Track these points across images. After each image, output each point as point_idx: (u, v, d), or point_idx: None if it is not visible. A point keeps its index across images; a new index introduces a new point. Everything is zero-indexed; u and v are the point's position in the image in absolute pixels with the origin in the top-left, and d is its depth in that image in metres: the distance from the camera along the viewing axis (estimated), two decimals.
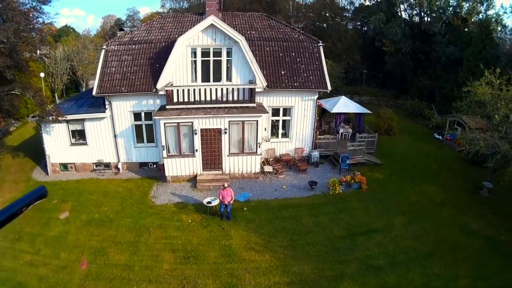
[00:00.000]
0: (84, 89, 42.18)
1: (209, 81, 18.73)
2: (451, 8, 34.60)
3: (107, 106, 18.31)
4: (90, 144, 19.01)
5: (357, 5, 48.82)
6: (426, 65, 35.28)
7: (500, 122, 17.10)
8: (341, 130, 23.41)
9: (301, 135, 20.67)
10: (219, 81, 18.80)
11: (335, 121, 23.32)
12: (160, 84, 17.73)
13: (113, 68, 18.50)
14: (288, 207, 16.37)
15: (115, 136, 18.95)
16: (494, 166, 18.95)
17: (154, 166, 19.70)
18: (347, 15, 48.22)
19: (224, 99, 18.08)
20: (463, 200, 18.33)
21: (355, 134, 23.67)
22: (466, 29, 31.88)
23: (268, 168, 19.17)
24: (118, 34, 21.40)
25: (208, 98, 18.07)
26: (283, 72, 19.14)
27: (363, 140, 21.75)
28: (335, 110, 22.22)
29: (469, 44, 29.80)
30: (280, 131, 20.56)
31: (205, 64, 18.67)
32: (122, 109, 18.54)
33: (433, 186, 19.48)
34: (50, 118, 17.52)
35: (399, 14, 39.07)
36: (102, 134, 18.90)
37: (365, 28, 42.29)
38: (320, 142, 21.38)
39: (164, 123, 16.88)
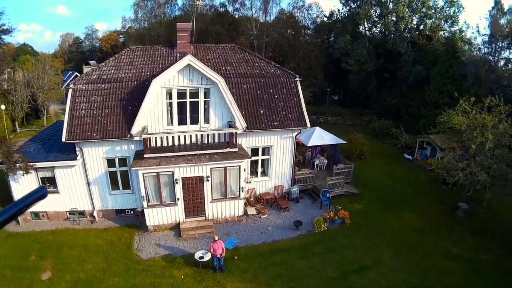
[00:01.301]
0: (45, 116, 42.14)
1: (186, 123, 19.02)
2: (415, 27, 37.87)
3: (78, 153, 18.02)
4: (62, 192, 18.60)
5: (318, 21, 52.18)
6: (391, 84, 38.14)
7: (476, 150, 19.08)
8: (316, 162, 24.64)
9: (281, 172, 21.54)
10: (197, 123, 19.18)
11: (310, 153, 24.70)
12: (135, 129, 17.73)
13: (83, 111, 18.22)
14: (278, 252, 16.99)
15: (88, 183, 18.66)
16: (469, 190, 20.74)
17: (132, 212, 19.63)
18: (309, 32, 51.07)
19: (205, 141, 18.51)
20: (441, 223, 20.22)
21: (330, 164, 25.50)
22: (431, 47, 34.74)
23: (251, 211, 19.75)
24: (85, 70, 21.27)
25: (188, 142, 18.44)
26: (261, 111, 19.91)
27: (342, 172, 23.18)
28: (311, 143, 23.39)
29: (436, 63, 32.74)
30: (259, 170, 21.30)
31: (182, 106, 18.93)
32: (95, 156, 18.33)
33: (411, 212, 21.21)
34: (18, 165, 17.10)
35: (364, 34, 41.74)
36: (74, 181, 18.57)
37: (330, 49, 44.78)
38: (299, 177, 22.38)
39: (143, 174, 16.90)
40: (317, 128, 24.88)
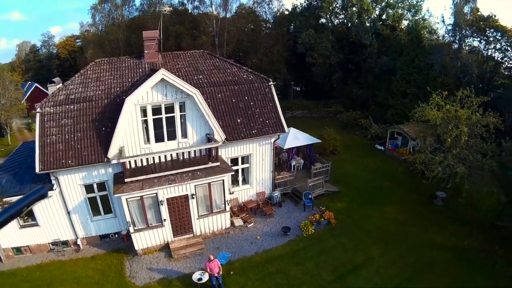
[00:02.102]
0: (8, 134, 41.15)
1: (163, 140, 19.12)
2: (378, 18, 39.35)
3: (53, 182, 17.58)
4: (42, 224, 18.15)
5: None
6: (356, 75, 39.80)
7: (452, 143, 20.49)
8: (293, 163, 25.50)
9: (261, 179, 22.17)
10: (174, 139, 19.30)
11: (287, 154, 25.59)
12: (111, 152, 17.55)
13: (54, 137, 17.70)
14: (272, 261, 17.61)
15: (68, 212, 18.31)
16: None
17: (116, 236, 19.50)
18: (269, 26, 51.77)
19: (186, 156, 18.60)
20: (422, 214, 21.76)
21: (306, 163, 26.56)
22: (396, 38, 36.49)
23: (238, 222, 20.21)
24: (50, 90, 20.58)
25: (168, 158, 18.47)
26: (239, 120, 20.29)
27: (320, 172, 24.11)
28: (288, 145, 24.17)
29: (401, 53, 34.46)
30: (240, 178, 21.83)
31: (157, 122, 18.93)
32: (71, 183, 17.96)
33: (392, 206, 22.63)
34: None
35: (327, 26, 42.75)
36: (53, 212, 18.12)
37: (290, 42, 45.78)
38: (279, 181, 23.07)
39: (127, 199, 16.82)
40: (292, 129, 25.63)
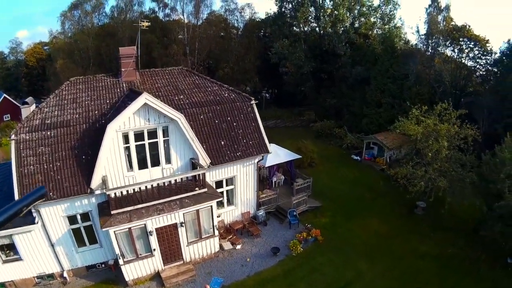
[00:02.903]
0: None
1: (146, 166, 19.12)
2: (352, 27, 40.55)
3: (34, 214, 17.14)
4: (26, 258, 17.73)
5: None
6: (329, 84, 41.23)
7: (432, 158, 21.82)
8: (274, 179, 26.29)
9: (246, 199, 22.66)
10: (158, 165, 19.35)
11: (267, 171, 26.27)
12: (95, 183, 17.40)
13: (31, 167, 17.28)
14: (265, 283, 18.11)
15: (52, 245, 17.96)
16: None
17: (103, 266, 19.34)
18: (240, 34, 52.27)
19: (172, 182, 18.67)
20: (405, 224, 23.11)
21: (286, 178, 27.40)
22: (370, 47, 37.89)
23: (227, 245, 20.56)
24: (23, 112, 20.08)
25: (155, 185, 18.27)
26: (223, 143, 20.65)
27: (302, 188, 24.97)
28: (269, 163, 24.70)
29: (375, 63, 35.94)
30: (225, 200, 22.11)
31: (140, 148, 18.92)
32: (54, 215, 17.62)
33: (374, 218, 23.75)
34: None
35: (300, 36, 43.69)
36: (36, 245, 17.75)
37: (261, 49, 46.83)
38: (263, 200, 23.67)
39: (115, 231, 16.77)
40: (272, 146, 26.40)
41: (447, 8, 36.41)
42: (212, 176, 20.99)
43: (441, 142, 21.44)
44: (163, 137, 19.30)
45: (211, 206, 18.86)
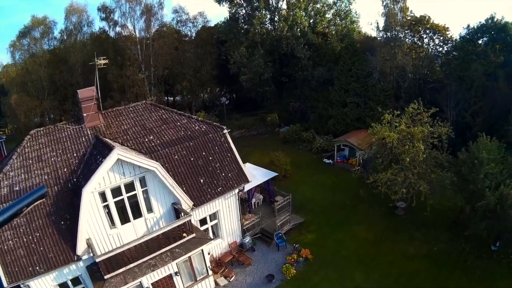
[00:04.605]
0: None
1: (129, 220, 19.72)
2: (309, 27, 41.66)
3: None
4: None
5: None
6: (291, 86, 42.71)
7: (410, 162, 23.18)
8: (253, 200, 27.71)
9: (231, 229, 23.74)
10: (140, 216, 19.99)
11: (247, 194, 27.39)
12: (80, 249, 17.83)
13: (11, 242, 17.40)
14: None
15: None
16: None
17: None
18: (194, 45, 52.60)
19: (158, 230, 19.28)
20: (389, 227, 25.05)
21: (265, 197, 28.96)
22: (330, 47, 39.23)
23: (221, 281, 21.57)
24: None
25: (141, 236, 18.89)
26: (202, 181, 21.47)
27: (283, 206, 26.21)
28: (247, 187, 25.54)
29: (337, 63, 37.56)
30: (211, 234, 23.10)
31: (119, 203, 19.46)
32: (44, 286, 18.03)
33: (359, 225, 25.49)
34: None
35: (258, 42, 44.49)
36: None
37: (220, 55, 47.55)
38: (247, 226, 24.81)
39: None
40: (247, 166, 27.54)
41: None
42: (195, 216, 21.78)
43: (417, 145, 22.97)
44: (141, 187, 19.82)
45: (202, 249, 19.90)
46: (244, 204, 27.71)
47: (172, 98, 61.48)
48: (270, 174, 27.98)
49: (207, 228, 23.13)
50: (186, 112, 42.07)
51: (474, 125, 31.38)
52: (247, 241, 24.45)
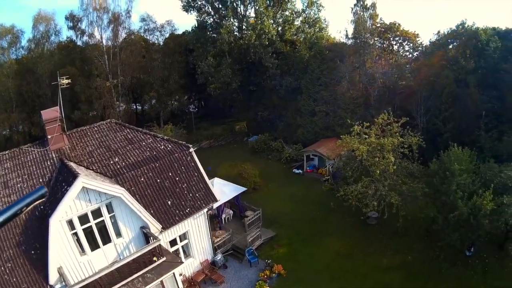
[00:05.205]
0: None
1: (98, 246, 20.41)
2: (277, 36, 42.88)
3: None
4: None
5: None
6: (260, 95, 44.04)
7: (381, 174, 24.16)
8: (223, 216, 28.87)
9: (202, 248, 24.64)
10: (110, 242, 20.69)
11: (216, 211, 28.35)
12: (52, 278, 18.43)
13: None
14: None
15: None
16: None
17: None
18: (161, 55, 53.14)
19: (129, 257, 20.14)
20: (362, 238, 25.98)
21: (235, 212, 30.17)
22: (297, 55, 40.52)
23: None
24: None
25: (112, 261, 20.12)
26: (169, 203, 22.26)
27: (253, 221, 27.40)
28: (217, 204, 27.11)
29: (305, 71, 38.97)
30: (182, 255, 24.06)
31: (88, 229, 20.16)
32: None
33: (331, 237, 26.49)
34: None
35: (225, 51, 45.58)
36: None
37: (188, 63, 48.48)
38: (218, 243, 25.83)
39: None
40: (215, 181, 28.48)
41: (373, 5, 39.69)
42: (165, 237, 22.55)
43: (388, 157, 24.06)
44: (108, 213, 20.54)
45: (174, 273, 20.75)
46: (214, 220, 28.67)
47: (140, 107, 62.18)
48: (239, 189, 28.96)
49: (178, 249, 23.96)
50: (154, 124, 43.69)
51: (445, 131, 32.94)
52: (218, 258, 25.39)
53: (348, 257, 25.15)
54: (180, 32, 56.46)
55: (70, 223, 19.88)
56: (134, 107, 59.36)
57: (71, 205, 19.47)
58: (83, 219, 20.23)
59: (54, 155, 22.51)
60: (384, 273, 23.39)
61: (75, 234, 20.11)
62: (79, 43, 51.78)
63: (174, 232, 23.37)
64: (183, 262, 22.00)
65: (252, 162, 36.01)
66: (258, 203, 29.94)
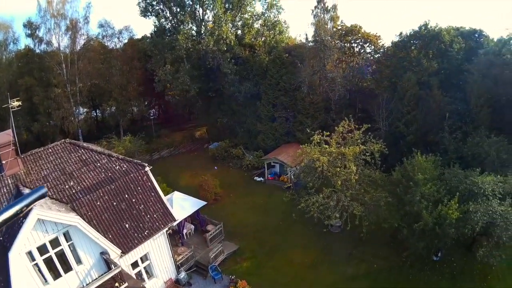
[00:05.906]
0: None
1: (60, 275, 21.43)
2: (236, 40, 43.87)
3: None
4: None
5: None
6: (219, 101, 44.91)
7: (342, 185, 24.97)
8: (184, 231, 30.25)
9: (164, 267, 25.81)
10: (71, 270, 21.73)
11: (177, 226, 29.62)
12: None
13: None
14: None
15: None
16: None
17: None
18: (118, 61, 53.80)
19: (90, 285, 21.55)
20: (325, 248, 27.08)
21: (196, 225, 31.59)
22: (257, 60, 41.63)
23: None
24: None
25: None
26: (127, 226, 23.30)
27: (215, 235, 28.67)
28: (178, 219, 28.62)
29: (264, 77, 39.95)
30: (145, 275, 25.21)
31: (48, 259, 21.05)
32: None
33: (295, 249, 27.56)
34: None
35: (183, 58, 46.47)
36: None
37: (154, 83, 49.42)
38: (181, 261, 26.99)
39: None
40: (175, 195, 29.43)
41: (334, 7, 41.07)
42: (126, 260, 23.67)
43: (349, 166, 25.04)
44: (67, 242, 21.52)
45: None
46: (176, 236, 29.87)
47: (101, 115, 62.79)
48: (199, 204, 30.24)
49: (140, 270, 25.18)
50: (113, 135, 44.62)
51: (408, 134, 34.52)
52: (182, 276, 26.68)
53: (313, 268, 26.21)
54: (139, 36, 57.81)
55: (30, 254, 20.81)
56: (95, 114, 59.97)
57: (29, 237, 20.31)
58: (42, 249, 21.10)
59: (10, 181, 23.21)
60: (351, 282, 24.46)
61: (36, 265, 21.03)
62: (37, 51, 52.13)
63: (135, 254, 24.38)
64: (145, 287, 23.32)
65: (213, 171, 37.23)
66: (219, 214, 31.16)
